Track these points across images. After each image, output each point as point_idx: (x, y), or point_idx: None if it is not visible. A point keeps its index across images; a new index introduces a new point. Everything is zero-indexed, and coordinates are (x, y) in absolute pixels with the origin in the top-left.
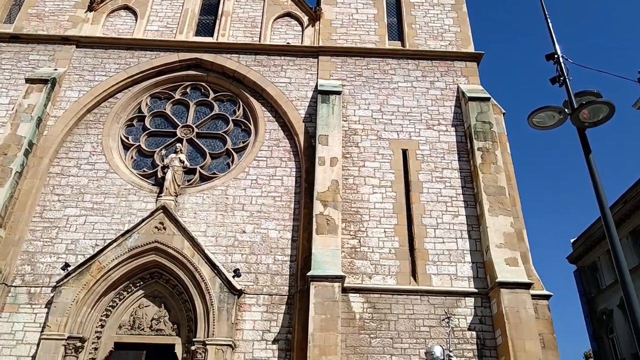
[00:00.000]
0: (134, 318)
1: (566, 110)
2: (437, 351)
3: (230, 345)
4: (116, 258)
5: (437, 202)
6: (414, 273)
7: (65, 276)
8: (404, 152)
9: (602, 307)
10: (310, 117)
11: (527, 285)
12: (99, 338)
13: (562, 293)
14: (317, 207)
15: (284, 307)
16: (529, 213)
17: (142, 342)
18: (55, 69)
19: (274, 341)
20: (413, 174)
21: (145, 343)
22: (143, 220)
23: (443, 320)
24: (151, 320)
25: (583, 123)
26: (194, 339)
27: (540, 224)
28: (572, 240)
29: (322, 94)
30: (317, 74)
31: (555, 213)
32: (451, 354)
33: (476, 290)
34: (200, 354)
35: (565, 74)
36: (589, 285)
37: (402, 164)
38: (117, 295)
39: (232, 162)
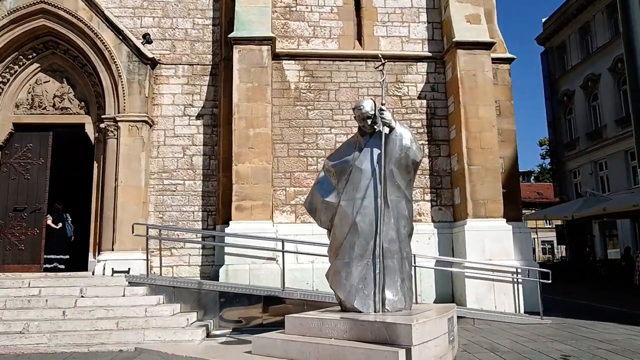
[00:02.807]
0: (32, 95)
1: None
2: (367, 105)
3: (145, 122)
4: None
5: None
6: (359, 36)
7: None
8: None
9: (565, 88)
10: None
11: (487, 45)
12: None
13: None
14: None
15: (207, 78)
16: None
17: (46, 123)
18: None
19: (198, 116)
20: None
21: (50, 123)
22: None
23: (377, 68)
24: (53, 98)
25: None
26: (102, 116)
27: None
28: (543, 20)
29: None
30: None
31: None
32: (383, 107)
33: (430, 54)
34: (111, 132)
35: None
36: (555, 67)
37: None
38: (6, 70)
39: None
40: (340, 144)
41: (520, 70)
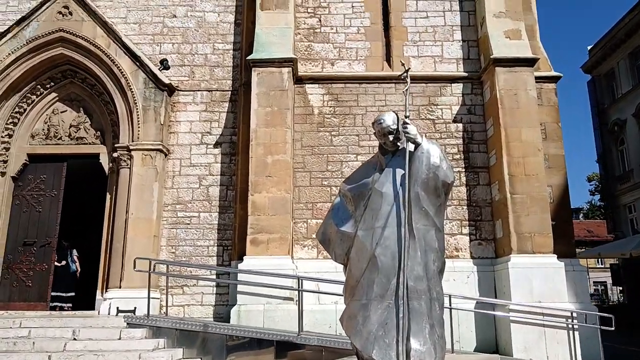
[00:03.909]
0: (48, 125)
1: None
2: (388, 118)
3: (160, 150)
4: (12, 52)
5: None
6: (388, 57)
7: None
8: None
9: (615, 117)
10: None
11: (530, 62)
12: (7, 150)
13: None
14: None
15: (227, 104)
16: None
17: (61, 153)
18: None
19: (216, 144)
20: None
21: (65, 154)
22: (42, 4)
23: (401, 76)
24: (69, 128)
25: None
26: (116, 145)
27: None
28: (588, 47)
29: None
30: None
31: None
32: (407, 120)
33: (466, 75)
34: (124, 161)
35: None
36: (603, 95)
37: None
38: (24, 100)
39: None
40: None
41: (564, 101)
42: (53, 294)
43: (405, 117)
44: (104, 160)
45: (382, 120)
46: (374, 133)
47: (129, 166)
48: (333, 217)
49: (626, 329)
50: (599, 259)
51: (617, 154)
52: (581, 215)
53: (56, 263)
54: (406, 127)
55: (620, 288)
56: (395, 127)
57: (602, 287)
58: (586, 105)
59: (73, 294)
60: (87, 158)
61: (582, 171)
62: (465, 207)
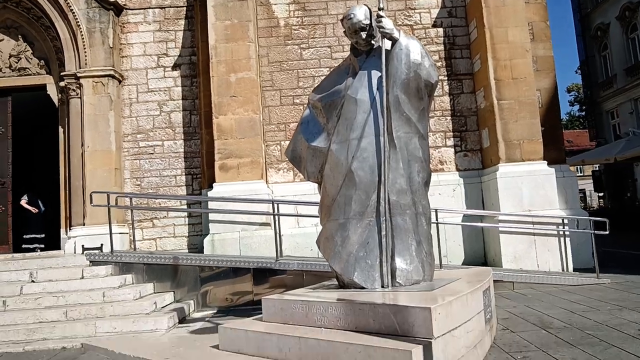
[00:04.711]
0: None
1: None
2: (359, 13)
3: (112, 76)
4: None
5: None
6: None
7: None
8: None
9: (598, 22)
10: None
11: None
12: None
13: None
14: None
15: (182, 22)
16: None
17: (3, 87)
18: None
19: (174, 67)
20: None
21: (8, 87)
22: None
23: None
24: (9, 59)
25: None
26: (62, 74)
27: None
28: None
29: None
30: None
31: None
32: (382, 13)
33: None
34: (74, 90)
35: None
36: (586, 0)
37: None
38: None
39: None
40: None
41: None
42: (29, 236)
43: (380, 9)
44: (52, 92)
45: (352, 15)
46: (344, 32)
47: (79, 96)
48: (303, 132)
49: (612, 232)
50: (578, 167)
51: (600, 59)
52: None
53: (26, 205)
54: (381, 22)
55: (601, 194)
56: (367, 22)
57: (581, 195)
58: (567, 14)
59: (43, 235)
60: (34, 90)
61: (561, 82)
62: (449, 118)
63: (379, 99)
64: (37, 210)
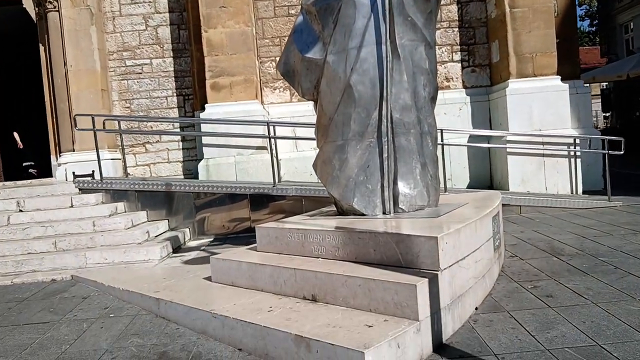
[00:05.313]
0: None
1: None
2: None
3: None
4: None
5: None
6: None
7: None
8: None
9: None
10: None
11: None
12: None
13: None
14: None
15: None
16: None
17: None
18: None
19: None
20: None
21: None
22: None
23: None
24: None
25: None
26: None
27: None
28: None
29: None
30: None
31: None
32: None
33: None
34: (50, 2)
35: None
36: None
37: None
38: None
39: None
40: None
41: None
42: (27, 163)
43: None
44: (29, 6)
45: None
46: None
47: (57, 9)
48: (296, 42)
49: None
50: (588, 85)
51: None
52: None
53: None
54: None
55: (608, 114)
56: None
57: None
58: None
59: (32, 162)
60: (8, 4)
61: None
62: (456, 30)
63: (380, 0)
64: (22, 145)
